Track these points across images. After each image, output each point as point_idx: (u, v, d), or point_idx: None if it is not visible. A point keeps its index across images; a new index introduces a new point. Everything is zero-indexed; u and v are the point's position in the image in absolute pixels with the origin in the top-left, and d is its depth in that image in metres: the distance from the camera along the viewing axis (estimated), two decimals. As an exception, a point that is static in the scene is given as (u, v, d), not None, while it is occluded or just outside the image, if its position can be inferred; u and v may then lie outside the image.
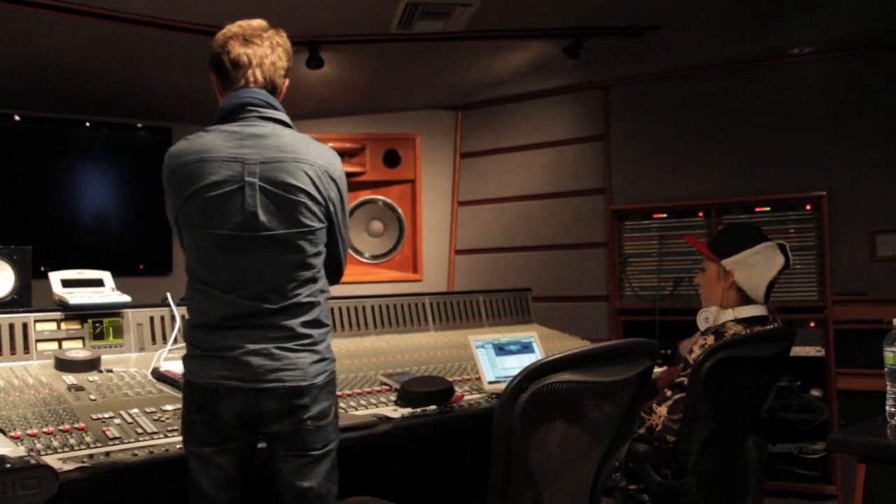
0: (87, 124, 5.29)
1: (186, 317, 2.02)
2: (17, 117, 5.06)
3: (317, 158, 1.93)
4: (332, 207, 1.96)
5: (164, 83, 4.66)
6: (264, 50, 1.98)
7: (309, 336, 1.91)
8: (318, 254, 1.95)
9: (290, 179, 1.87)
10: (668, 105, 4.82)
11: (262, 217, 1.86)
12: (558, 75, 4.90)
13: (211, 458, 1.89)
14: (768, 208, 4.44)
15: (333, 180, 1.96)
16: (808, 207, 4.36)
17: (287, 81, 2.06)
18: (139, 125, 5.46)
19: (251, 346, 1.86)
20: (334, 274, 2.08)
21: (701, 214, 4.61)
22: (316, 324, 1.94)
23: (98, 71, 4.35)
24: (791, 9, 3.84)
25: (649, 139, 4.87)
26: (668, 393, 2.51)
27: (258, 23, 2.03)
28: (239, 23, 2.02)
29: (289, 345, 1.88)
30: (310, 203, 1.90)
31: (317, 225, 1.92)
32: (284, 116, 1.98)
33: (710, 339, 2.54)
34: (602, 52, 4.32)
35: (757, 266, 2.63)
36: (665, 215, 4.70)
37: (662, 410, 2.48)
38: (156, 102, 5.08)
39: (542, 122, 5.26)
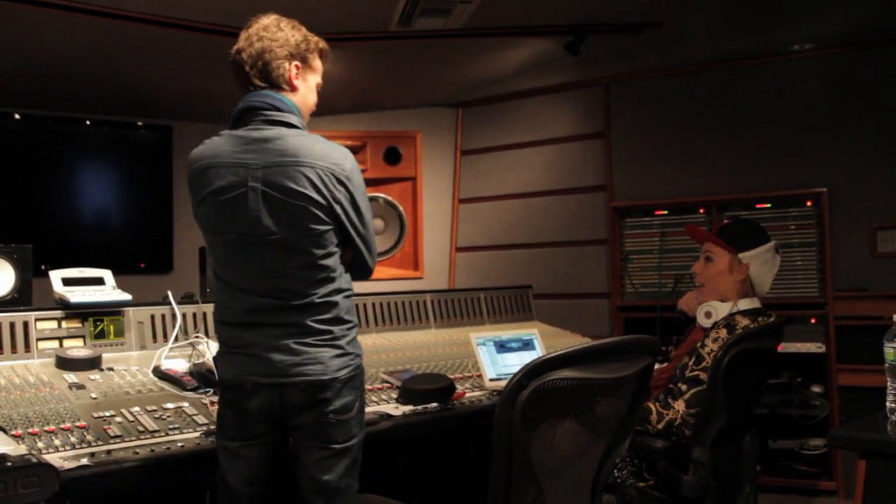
0: (88, 123, 5.29)
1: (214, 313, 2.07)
2: (17, 116, 5.06)
3: (320, 160, 1.92)
4: (338, 209, 1.94)
5: (164, 81, 4.67)
6: (248, 51, 1.99)
7: (329, 332, 1.94)
8: (328, 255, 1.95)
9: (291, 184, 1.88)
10: (668, 102, 4.81)
11: (266, 221, 1.89)
12: (559, 72, 4.90)
13: (238, 452, 1.95)
14: (769, 205, 4.44)
15: (340, 181, 1.94)
16: (808, 204, 4.36)
17: (294, 63, 2.01)
18: (140, 123, 5.46)
19: (271, 342, 1.90)
20: (360, 272, 2.08)
21: (702, 211, 4.60)
22: (336, 321, 1.96)
23: (98, 69, 4.35)
24: (792, 5, 3.83)
25: (650, 136, 4.87)
26: (684, 387, 2.51)
27: (263, 21, 2.02)
28: (246, 28, 2.03)
29: (308, 339, 1.91)
30: (312, 207, 1.90)
31: (322, 227, 1.92)
32: (291, 118, 1.98)
33: (723, 333, 2.56)
34: (602, 48, 4.31)
35: (768, 262, 2.72)
36: (666, 212, 4.70)
37: (680, 405, 2.48)
38: (156, 101, 5.08)
39: (542, 120, 5.26)
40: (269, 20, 2.02)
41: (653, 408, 2.52)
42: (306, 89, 2.07)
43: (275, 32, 2.00)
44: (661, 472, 2.50)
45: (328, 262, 1.95)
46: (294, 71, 2.02)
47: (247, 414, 1.94)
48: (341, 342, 1.96)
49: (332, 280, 1.97)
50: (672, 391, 2.56)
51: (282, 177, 1.88)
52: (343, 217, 1.96)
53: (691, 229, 2.95)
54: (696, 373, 2.51)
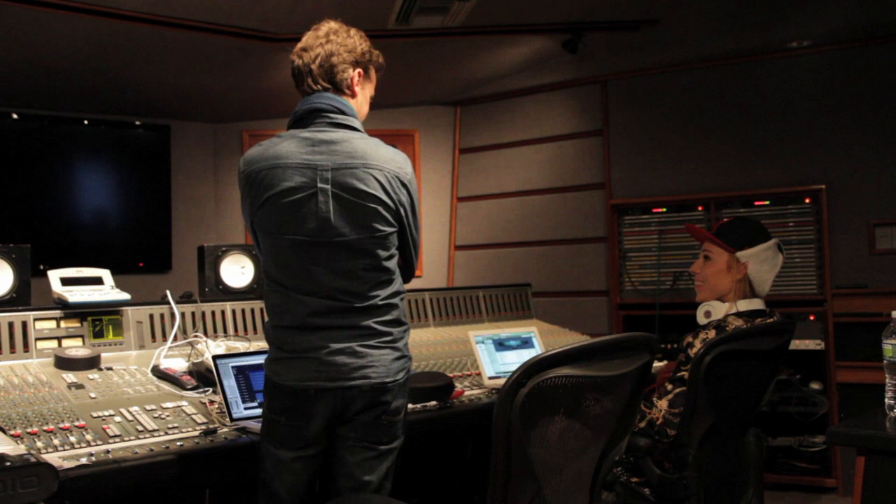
0: (86, 122, 5.28)
1: (265, 318, 2.07)
2: (15, 115, 5.05)
3: (387, 163, 1.95)
4: (402, 211, 1.98)
5: (162, 80, 4.66)
6: (316, 51, 2.01)
7: (389, 334, 1.96)
8: (391, 257, 1.98)
9: (362, 185, 1.91)
10: (666, 99, 4.81)
11: (336, 223, 1.90)
12: (556, 70, 4.90)
13: (289, 464, 1.95)
14: (767, 202, 4.44)
15: (404, 184, 1.99)
16: (807, 201, 4.36)
17: (357, 70, 2.04)
18: (137, 123, 5.46)
19: (335, 346, 1.90)
20: (406, 274, 2.11)
21: (700, 209, 4.61)
22: (395, 323, 1.99)
23: (96, 68, 4.35)
24: (789, 2, 3.83)
25: (648, 133, 4.87)
26: (669, 387, 2.51)
27: (332, 24, 2.06)
28: (315, 30, 2.06)
29: (371, 342, 1.93)
30: (381, 209, 1.93)
31: (388, 230, 1.95)
32: (354, 122, 2.01)
33: (712, 333, 2.55)
34: (600, 46, 4.31)
35: (768, 261, 2.69)
36: (664, 210, 4.70)
37: (663, 404, 2.48)
38: (154, 100, 5.07)
39: (540, 118, 5.26)
40: (337, 25, 2.06)
41: None
42: (363, 98, 2.11)
43: (345, 38, 2.03)
44: (644, 471, 2.49)
45: (390, 264, 1.98)
46: (357, 78, 2.05)
47: (308, 420, 1.92)
48: (399, 344, 1.99)
49: (392, 282, 2.00)
50: (659, 390, 2.56)
51: (352, 178, 1.90)
52: (405, 220, 2.00)
53: (691, 229, 2.94)
54: (681, 373, 2.51)
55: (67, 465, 1.79)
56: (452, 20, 3.84)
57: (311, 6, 3.51)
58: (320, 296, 1.91)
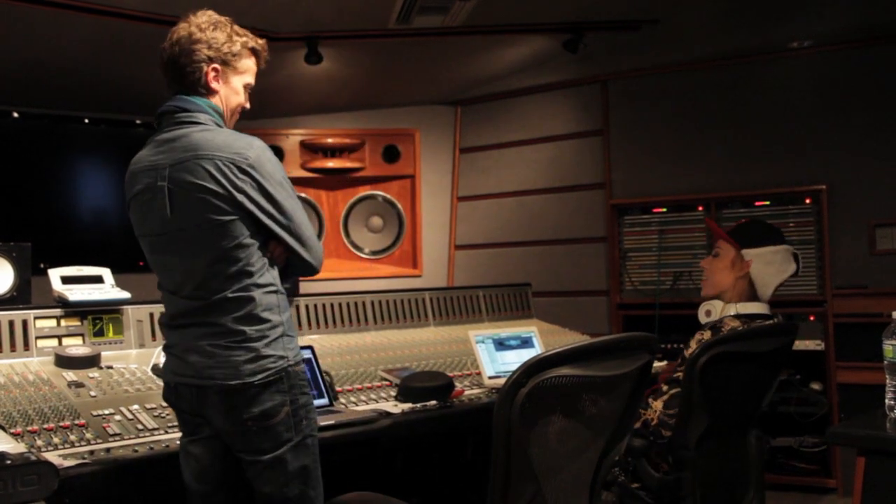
0: (86, 121, 5.28)
1: None
2: (15, 114, 5.05)
3: (220, 151, 1.88)
4: (241, 197, 1.86)
5: (162, 80, 4.65)
6: (172, 51, 2.03)
7: (241, 333, 1.86)
8: (238, 247, 1.87)
9: (190, 177, 1.88)
10: (667, 99, 4.81)
11: (171, 218, 1.91)
12: (557, 70, 4.90)
13: (187, 448, 1.96)
14: (768, 202, 4.44)
15: (243, 170, 1.87)
16: (807, 201, 4.36)
17: (212, 66, 2.00)
18: (138, 121, 5.45)
19: (190, 344, 1.91)
20: (301, 267, 2.00)
21: (700, 209, 4.61)
22: (250, 319, 1.87)
23: (97, 67, 4.35)
24: (789, 3, 3.83)
25: (648, 133, 4.87)
26: (665, 388, 2.50)
27: (189, 20, 2.03)
28: (172, 29, 2.05)
29: (221, 342, 1.86)
30: (210, 197, 1.86)
31: (223, 218, 1.86)
32: (199, 116, 1.98)
33: (707, 335, 2.55)
34: (601, 46, 4.31)
35: (774, 264, 2.66)
36: (665, 210, 4.70)
37: (658, 405, 2.47)
38: (154, 98, 5.05)
39: (541, 117, 5.26)
40: (196, 19, 2.01)
41: None
42: (228, 90, 2.05)
43: (195, 34, 1.99)
44: (639, 472, 2.48)
45: (239, 254, 1.88)
46: (212, 74, 2.01)
47: (182, 411, 1.97)
48: (256, 344, 1.86)
49: (249, 274, 1.88)
50: (655, 391, 2.56)
51: (183, 172, 1.89)
52: (251, 206, 1.87)
53: (710, 224, 2.98)
54: (677, 373, 2.50)
55: (68, 463, 1.80)
56: (453, 20, 3.84)
57: (311, 5, 3.51)
58: (179, 294, 1.94)
